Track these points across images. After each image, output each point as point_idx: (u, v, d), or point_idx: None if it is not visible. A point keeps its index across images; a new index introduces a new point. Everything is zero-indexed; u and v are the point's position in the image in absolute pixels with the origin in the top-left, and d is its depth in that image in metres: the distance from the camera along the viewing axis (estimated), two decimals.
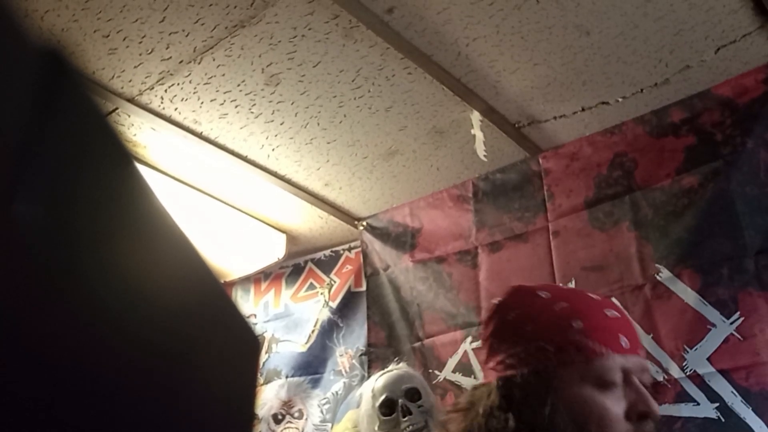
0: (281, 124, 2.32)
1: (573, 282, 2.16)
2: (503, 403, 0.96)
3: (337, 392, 2.88)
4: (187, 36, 1.96)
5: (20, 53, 0.26)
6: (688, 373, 1.89)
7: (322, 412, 2.89)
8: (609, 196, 2.17)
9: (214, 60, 2.05)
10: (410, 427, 1.95)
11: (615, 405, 0.91)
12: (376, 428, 2.00)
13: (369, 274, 2.74)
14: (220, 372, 0.40)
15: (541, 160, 2.35)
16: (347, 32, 1.95)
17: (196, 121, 2.31)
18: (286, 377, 3.00)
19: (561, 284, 2.18)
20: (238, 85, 2.15)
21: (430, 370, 2.40)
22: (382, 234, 2.72)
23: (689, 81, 2.09)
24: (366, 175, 2.61)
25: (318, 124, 2.32)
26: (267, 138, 2.39)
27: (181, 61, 2.05)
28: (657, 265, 2.02)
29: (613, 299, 1.04)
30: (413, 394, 2.02)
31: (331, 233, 3.00)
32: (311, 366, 2.97)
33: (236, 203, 2.79)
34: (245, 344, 0.47)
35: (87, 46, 1.96)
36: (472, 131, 2.28)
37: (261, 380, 3.00)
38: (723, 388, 1.84)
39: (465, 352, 2.35)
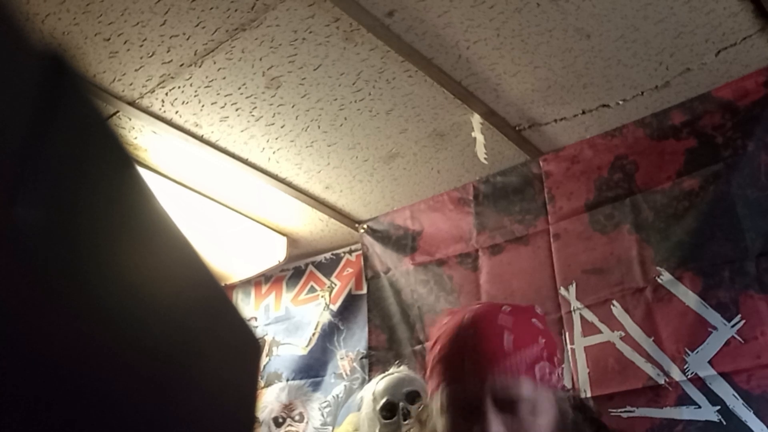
0: (282, 127, 2.32)
1: (574, 285, 2.16)
2: None
3: (337, 395, 2.87)
4: (187, 39, 1.96)
5: (22, 57, 0.26)
6: (689, 376, 1.89)
7: (322, 415, 2.88)
8: (610, 198, 2.17)
9: (214, 63, 2.05)
10: (411, 430, 1.95)
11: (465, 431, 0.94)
12: (377, 431, 2.00)
13: (370, 277, 2.74)
14: (220, 375, 0.40)
15: (541, 163, 2.35)
16: (348, 35, 1.95)
17: (196, 124, 2.31)
18: (287, 380, 3.00)
19: (561, 286, 2.18)
20: (239, 88, 2.15)
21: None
22: (382, 237, 2.72)
23: (690, 84, 2.09)
24: (367, 178, 2.61)
25: (319, 127, 2.32)
26: (268, 141, 2.39)
27: (181, 65, 2.05)
28: (658, 267, 2.02)
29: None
30: (414, 397, 2.02)
31: (331, 236, 3.00)
32: (312, 369, 2.97)
33: (237, 206, 2.79)
34: (246, 347, 0.47)
35: (88, 50, 1.97)
36: (473, 134, 2.28)
37: (262, 383, 3.00)
38: (724, 391, 1.83)
39: None
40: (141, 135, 2.34)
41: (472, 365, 0.94)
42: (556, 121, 2.29)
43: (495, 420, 0.91)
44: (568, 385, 1.98)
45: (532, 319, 1.03)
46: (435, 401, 0.99)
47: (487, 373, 0.93)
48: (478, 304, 1.05)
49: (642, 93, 2.14)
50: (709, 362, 1.87)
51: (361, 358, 2.80)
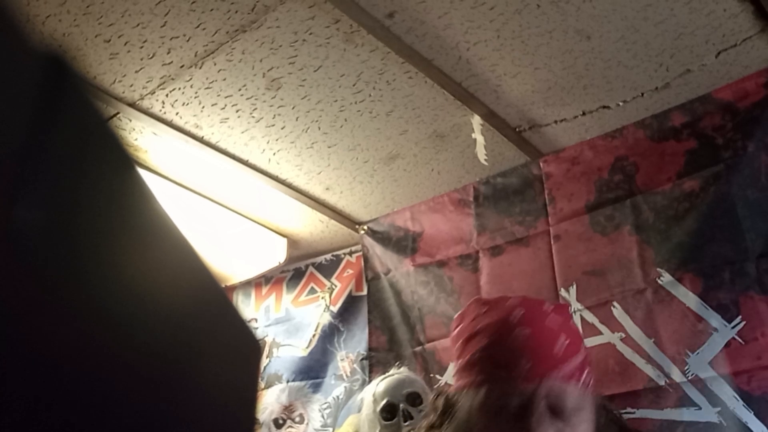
0: (282, 128, 2.32)
1: (574, 286, 2.16)
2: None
3: (338, 397, 2.87)
4: (188, 41, 1.96)
5: (22, 58, 0.26)
6: (689, 378, 1.89)
7: (323, 416, 2.88)
8: (610, 200, 2.17)
9: (215, 64, 2.05)
10: (423, 421, 1.95)
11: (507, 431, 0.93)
12: None
13: (370, 278, 2.74)
14: (221, 376, 0.40)
15: (542, 164, 2.35)
16: (348, 37, 1.95)
17: (197, 126, 2.31)
18: (287, 382, 3.00)
19: (562, 288, 2.18)
20: (239, 90, 2.15)
21: (432, 375, 2.39)
22: (383, 238, 2.72)
23: (690, 85, 2.09)
24: (367, 180, 2.61)
25: (319, 128, 2.32)
26: (268, 142, 2.39)
27: (182, 66, 2.06)
28: (658, 269, 2.02)
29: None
30: (414, 399, 2.02)
31: (332, 237, 3.00)
32: (312, 370, 2.97)
33: (237, 207, 2.79)
34: (246, 348, 0.47)
35: (88, 51, 1.97)
36: (473, 135, 2.28)
37: (262, 385, 3.00)
38: (725, 392, 1.83)
39: None
40: (141, 136, 2.34)
41: (527, 367, 0.90)
42: (556, 122, 2.29)
43: (547, 425, 0.89)
44: None
45: (571, 321, 1.01)
46: (470, 398, 0.95)
47: (545, 376, 0.91)
48: (516, 299, 1.00)
49: (642, 94, 2.14)
50: (710, 363, 1.86)
51: (362, 359, 2.80)
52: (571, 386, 0.92)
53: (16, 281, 0.23)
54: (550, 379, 0.90)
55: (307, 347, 3.01)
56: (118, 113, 2.22)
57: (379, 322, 2.64)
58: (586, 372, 0.95)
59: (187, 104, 2.21)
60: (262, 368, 2.99)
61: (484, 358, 0.95)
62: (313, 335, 3.00)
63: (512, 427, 0.90)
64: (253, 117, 2.27)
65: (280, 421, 2.97)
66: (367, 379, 2.61)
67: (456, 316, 1.08)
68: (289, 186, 2.64)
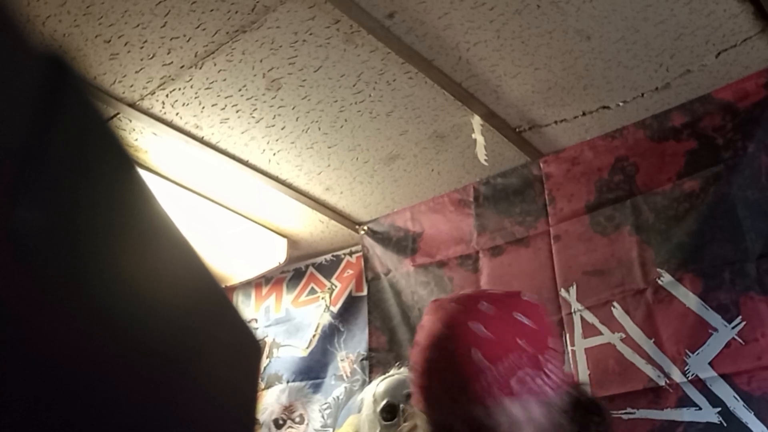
0: (282, 128, 2.32)
1: (574, 286, 2.16)
2: None
3: (338, 397, 2.87)
4: (188, 41, 1.96)
5: (22, 58, 0.26)
6: (689, 378, 1.89)
7: (323, 417, 2.88)
8: (610, 200, 2.17)
9: (215, 65, 2.05)
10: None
11: None
12: None
13: (370, 279, 2.74)
14: (221, 376, 0.40)
15: (542, 165, 2.35)
16: (348, 37, 1.95)
17: (197, 126, 2.31)
18: (287, 382, 3.00)
19: (562, 288, 2.18)
20: (240, 90, 2.15)
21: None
22: (383, 238, 2.72)
23: (690, 85, 2.09)
24: (367, 180, 2.61)
25: (319, 128, 2.32)
26: (268, 143, 2.39)
27: (182, 66, 2.06)
28: (658, 269, 2.02)
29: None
30: None
31: (332, 238, 3.00)
32: (312, 371, 2.97)
33: (237, 208, 2.79)
34: (246, 349, 0.47)
35: (88, 51, 1.97)
36: (473, 136, 2.28)
37: (262, 385, 3.00)
38: (725, 392, 1.83)
39: None
40: (141, 137, 2.34)
41: (441, 393, 0.85)
42: (556, 122, 2.29)
43: None
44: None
45: (513, 314, 0.90)
46: (419, 419, 0.94)
47: (457, 401, 0.84)
48: (456, 302, 0.93)
49: (642, 94, 2.14)
50: (710, 364, 1.86)
51: (362, 359, 2.80)
52: (495, 403, 0.84)
53: (16, 281, 0.23)
54: (466, 404, 0.84)
55: (307, 347, 3.01)
56: (118, 113, 2.22)
57: (379, 323, 2.64)
58: (517, 377, 0.85)
59: (187, 104, 2.21)
60: (262, 368, 2.99)
61: (414, 381, 0.94)
62: (313, 335, 3.00)
63: None
64: (253, 117, 2.27)
65: (280, 422, 2.97)
66: (367, 379, 2.61)
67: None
68: (289, 186, 2.64)
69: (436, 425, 0.88)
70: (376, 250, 2.73)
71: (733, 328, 1.86)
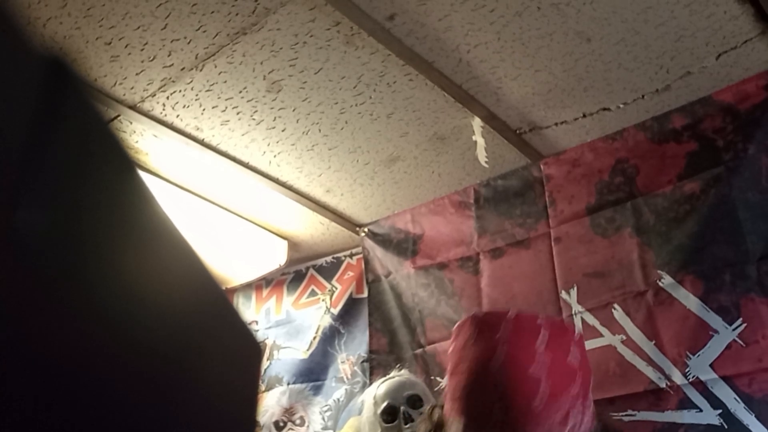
0: (283, 130, 2.32)
1: (575, 288, 2.16)
2: None
3: (338, 399, 2.87)
4: (188, 43, 1.96)
5: (23, 60, 0.26)
6: (690, 380, 1.89)
7: (323, 419, 2.88)
8: (611, 202, 2.17)
9: (215, 67, 2.05)
10: (420, 426, 1.95)
11: None
12: None
13: (370, 281, 2.73)
14: (221, 378, 0.40)
15: (542, 167, 2.35)
16: (349, 39, 1.95)
17: (197, 128, 2.31)
18: (288, 384, 3.00)
19: (562, 290, 2.18)
20: (240, 92, 2.15)
21: (432, 377, 2.39)
22: (383, 240, 2.72)
23: (690, 87, 2.09)
24: (367, 182, 2.61)
25: (319, 130, 2.33)
26: (268, 145, 2.39)
27: (182, 68, 2.06)
28: (659, 271, 2.02)
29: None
30: (415, 401, 2.02)
31: (332, 240, 3.00)
32: (313, 373, 2.97)
33: (238, 210, 2.79)
34: (247, 351, 0.47)
35: (89, 54, 1.97)
36: (474, 137, 2.28)
37: (262, 387, 3.00)
38: (726, 394, 1.83)
39: None
40: (142, 139, 2.34)
41: (501, 415, 0.87)
42: (556, 124, 2.29)
43: None
44: None
45: (570, 347, 0.95)
46: (455, 428, 0.94)
47: (515, 422, 0.87)
48: (511, 323, 0.94)
49: (643, 96, 2.15)
50: (711, 366, 1.86)
51: (362, 361, 2.80)
52: (551, 431, 0.88)
53: (17, 281, 0.24)
54: (525, 427, 0.87)
55: (307, 350, 3.01)
56: (118, 116, 2.22)
57: (380, 325, 2.64)
58: (573, 413, 0.90)
59: (188, 107, 2.21)
60: (262, 371, 2.99)
61: (464, 395, 0.93)
62: (314, 337, 3.00)
63: None
64: (253, 119, 2.27)
65: (281, 424, 2.96)
66: (367, 381, 2.61)
67: (455, 326, 1.05)
68: (290, 188, 2.64)
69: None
70: (377, 252, 2.73)
71: (733, 330, 1.85)
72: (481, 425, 0.90)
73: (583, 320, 2.11)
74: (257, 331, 3.15)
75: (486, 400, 0.90)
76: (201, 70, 2.06)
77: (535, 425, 0.87)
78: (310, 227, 2.91)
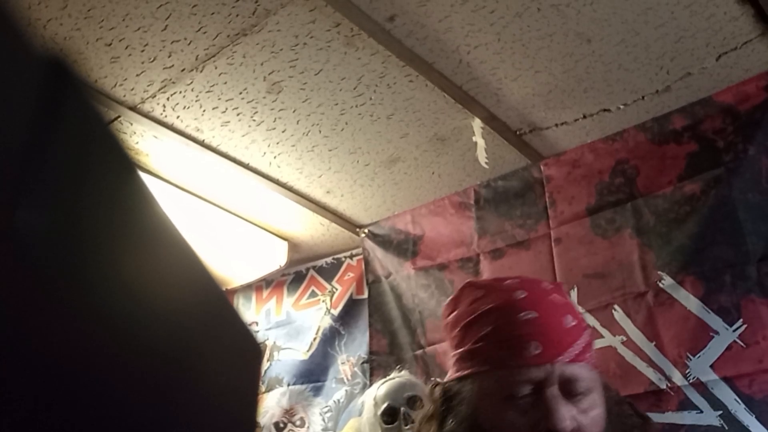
0: (283, 131, 2.32)
1: (575, 289, 2.16)
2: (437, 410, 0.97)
3: (338, 400, 2.87)
4: (189, 44, 1.96)
5: (23, 61, 0.27)
6: (691, 381, 1.89)
7: (323, 420, 2.88)
8: (611, 203, 2.17)
9: (216, 68, 2.05)
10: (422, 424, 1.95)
11: (519, 418, 0.86)
12: None
13: (371, 282, 2.73)
14: (221, 380, 0.40)
15: (542, 167, 2.35)
16: (349, 40, 1.96)
17: (198, 129, 2.31)
18: (288, 385, 3.00)
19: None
20: (240, 93, 2.15)
21: (433, 378, 2.39)
22: (383, 241, 2.72)
23: (690, 88, 2.09)
24: (368, 183, 2.61)
25: (320, 131, 2.33)
26: (269, 146, 2.39)
27: (183, 70, 2.06)
28: (659, 272, 2.02)
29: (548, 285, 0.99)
30: (415, 402, 2.02)
31: (332, 240, 3.00)
32: (313, 374, 2.97)
33: (238, 211, 2.79)
34: (247, 352, 0.47)
35: (89, 55, 1.97)
36: (474, 138, 2.28)
37: (263, 388, 3.00)
38: (726, 395, 1.83)
39: None
40: (142, 140, 2.34)
41: (537, 352, 0.87)
42: (557, 125, 2.29)
43: (563, 410, 0.85)
44: None
45: (570, 299, 0.98)
46: (474, 387, 0.92)
47: (555, 359, 0.87)
48: (513, 280, 0.97)
49: (643, 97, 2.15)
50: (711, 367, 1.86)
51: (362, 362, 2.80)
52: (581, 367, 0.89)
53: (17, 281, 0.24)
54: (561, 362, 0.87)
55: (307, 351, 3.01)
56: (119, 117, 2.22)
57: (380, 326, 2.64)
58: (592, 351, 0.93)
59: (188, 108, 2.21)
60: (262, 372, 2.99)
61: (489, 344, 0.91)
62: (314, 338, 3.00)
63: (524, 414, 0.86)
64: (254, 120, 2.27)
65: (281, 425, 2.96)
66: (368, 382, 2.61)
67: (448, 301, 1.05)
68: (290, 189, 2.64)
69: (523, 384, 0.88)
70: (377, 253, 2.73)
71: (734, 331, 1.85)
72: (515, 368, 0.88)
73: None
74: (257, 332, 3.15)
75: (516, 342, 0.89)
76: (201, 71, 2.07)
77: (566, 351, 0.88)
78: (311, 228, 2.91)
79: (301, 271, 3.16)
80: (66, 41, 1.93)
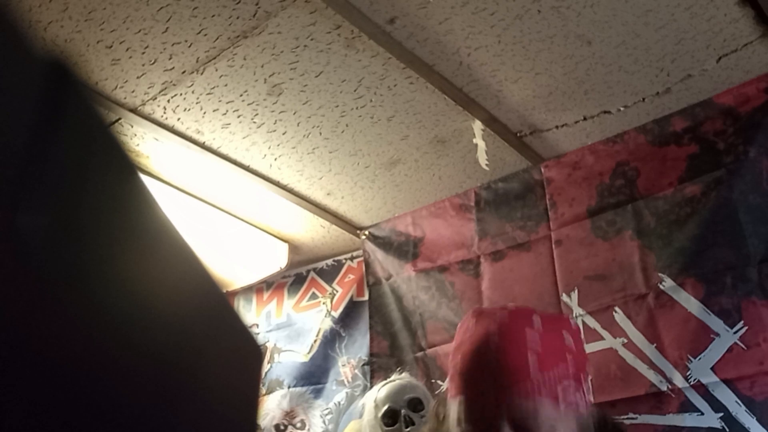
0: (283, 133, 2.33)
1: (576, 291, 2.16)
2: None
3: (339, 402, 2.87)
4: (189, 46, 1.97)
5: (24, 64, 0.27)
6: (692, 383, 1.88)
7: (324, 422, 2.88)
8: (611, 204, 2.17)
9: (216, 70, 2.05)
10: (426, 424, 1.94)
11: None
12: None
13: (371, 284, 2.73)
14: (222, 381, 0.40)
15: (543, 169, 2.35)
16: (349, 42, 1.96)
17: (198, 131, 2.31)
18: (288, 387, 2.99)
19: (563, 293, 2.18)
20: (241, 95, 2.15)
21: (433, 380, 2.39)
22: (384, 243, 2.72)
23: (691, 90, 2.09)
24: (368, 185, 2.61)
25: (320, 133, 2.33)
26: (269, 148, 2.40)
27: (183, 72, 2.06)
28: (660, 274, 2.02)
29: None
30: (416, 405, 2.02)
31: (333, 243, 3.00)
32: (313, 376, 2.97)
33: (238, 213, 2.79)
34: (248, 354, 0.47)
35: (90, 57, 1.97)
36: (474, 140, 2.28)
37: (263, 390, 3.00)
38: (727, 397, 1.83)
39: None
40: (143, 142, 2.34)
41: (491, 383, 0.91)
42: (557, 127, 2.29)
43: None
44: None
45: (563, 332, 0.99)
46: (452, 410, 0.98)
47: (507, 393, 0.90)
48: (507, 311, 1.01)
49: (643, 99, 2.15)
50: (712, 369, 1.86)
51: (363, 364, 2.80)
52: (541, 403, 0.91)
53: (17, 282, 0.24)
54: (515, 396, 0.90)
55: (308, 353, 3.00)
56: (119, 119, 2.22)
57: (381, 328, 2.64)
58: (562, 386, 0.93)
59: (189, 110, 2.21)
60: (263, 374, 2.99)
61: (461, 372, 0.97)
62: (315, 341, 3.00)
63: None
64: (254, 122, 2.27)
65: (282, 427, 2.96)
66: (368, 384, 2.61)
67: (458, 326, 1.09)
68: (291, 191, 2.64)
69: (476, 413, 0.93)
70: (378, 255, 2.73)
71: (735, 333, 1.85)
72: (476, 396, 0.94)
73: (584, 323, 2.11)
74: (258, 334, 3.15)
75: (480, 371, 0.94)
76: (202, 74, 2.07)
77: (525, 386, 0.90)
78: (311, 230, 2.91)
79: (301, 273, 3.16)
80: (67, 43, 1.94)
